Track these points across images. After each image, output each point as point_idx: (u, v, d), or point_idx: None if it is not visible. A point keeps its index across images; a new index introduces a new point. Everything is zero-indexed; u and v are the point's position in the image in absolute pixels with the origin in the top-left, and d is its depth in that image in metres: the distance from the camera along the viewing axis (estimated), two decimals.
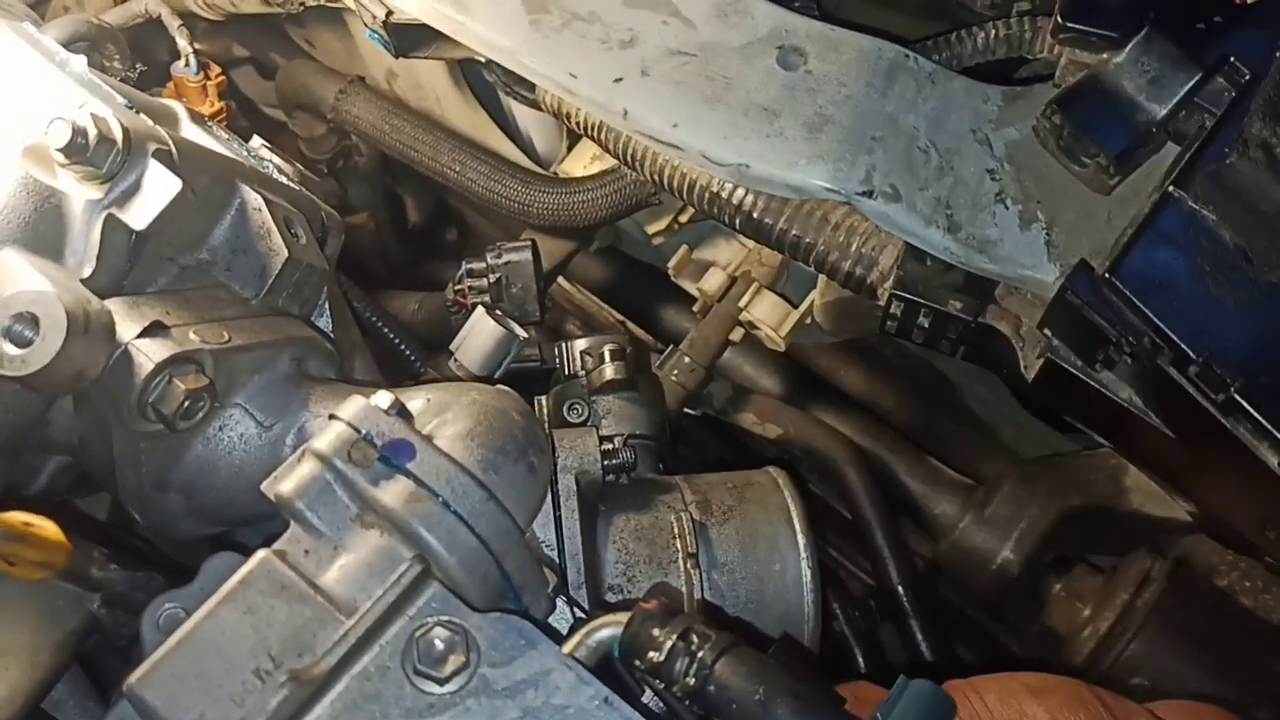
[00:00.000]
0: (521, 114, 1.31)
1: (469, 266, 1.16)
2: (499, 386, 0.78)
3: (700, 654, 0.62)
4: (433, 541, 0.65)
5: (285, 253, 0.79)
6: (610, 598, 0.89)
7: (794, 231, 0.80)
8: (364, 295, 1.20)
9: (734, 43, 0.77)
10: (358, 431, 0.67)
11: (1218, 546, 1.28)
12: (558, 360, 1.06)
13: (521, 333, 0.99)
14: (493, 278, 1.14)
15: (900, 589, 1.29)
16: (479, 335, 0.96)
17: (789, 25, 0.77)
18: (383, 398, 0.69)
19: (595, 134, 0.89)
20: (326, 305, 0.93)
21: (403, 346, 1.16)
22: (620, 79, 0.76)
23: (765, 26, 0.77)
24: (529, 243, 1.14)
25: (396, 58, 0.97)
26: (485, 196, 1.20)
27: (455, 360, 0.97)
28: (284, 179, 0.92)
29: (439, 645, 0.60)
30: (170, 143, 0.75)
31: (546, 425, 1.01)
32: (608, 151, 0.89)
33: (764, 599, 0.92)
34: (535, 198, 1.18)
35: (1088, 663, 1.23)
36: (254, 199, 0.81)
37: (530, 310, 1.15)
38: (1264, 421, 0.59)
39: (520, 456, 0.72)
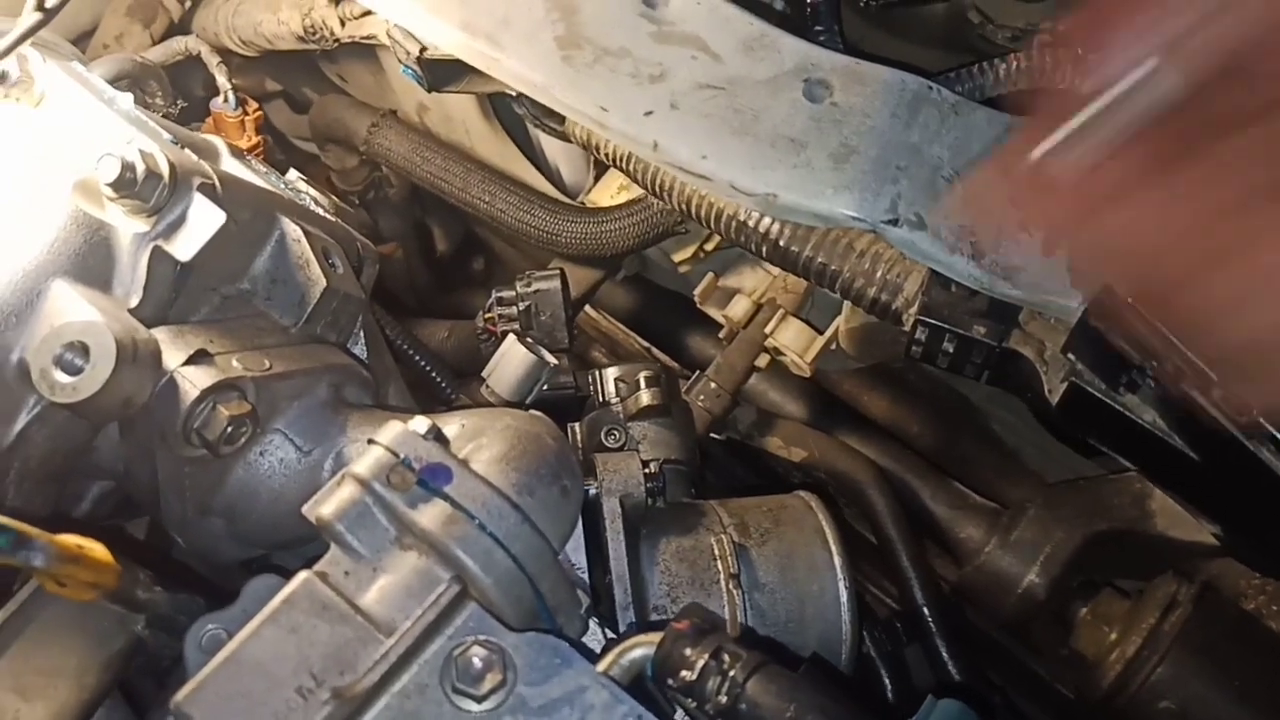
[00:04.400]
0: (549, 145, 1.33)
1: (499, 295, 1.18)
2: (532, 412, 0.80)
3: (732, 673, 0.63)
4: (469, 563, 0.66)
5: (323, 282, 0.82)
6: (655, 618, 0.90)
7: (820, 259, 0.81)
8: (396, 323, 1.23)
9: (761, 76, 0.79)
10: (396, 456, 0.69)
11: (1244, 570, 1.29)
12: (591, 388, 1.08)
13: (552, 359, 1.01)
14: (522, 306, 1.16)
15: (925, 611, 1.30)
16: (510, 362, 0.98)
17: (814, 59, 0.79)
18: (420, 423, 0.71)
19: (624, 165, 0.91)
20: (361, 333, 0.95)
21: (434, 374, 1.18)
22: (650, 112, 0.78)
23: (791, 60, 0.79)
24: (558, 271, 1.16)
25: (429, 92, 0.99)
26: (514, 227, 1.23)
27: (487, 387, 0.99)
28: (320, 210, 0.95)
29: (477, 664, 0.61)
30: (214, 176, 0.77)
31: (581, 451, 1.02)
32: (636, 182, 0.91)
33: (803, 619, 0.93)
34: (563, 227, 1.20)
35: (1115, 687, 1.23)
36: (293, 230, 0.83)
37: (559, 338, 1.17)
38: None
39: (554, 480, 0.73)
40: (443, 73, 0.97)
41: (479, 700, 0.61)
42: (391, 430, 0.70)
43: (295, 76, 1.60)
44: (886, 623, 1.32)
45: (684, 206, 0.87)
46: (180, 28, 1.44)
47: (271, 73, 1.63)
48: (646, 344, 1.47)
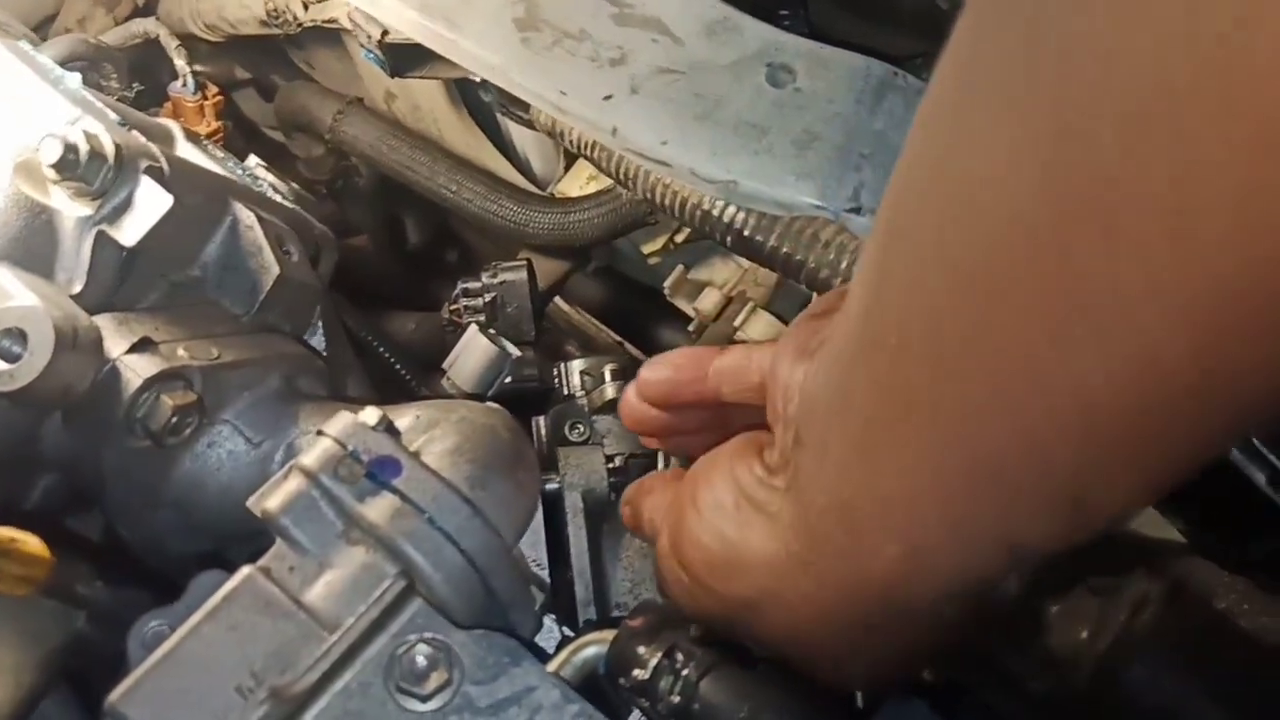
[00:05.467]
0: (519, 134, 1.32)
1: (464, 286, 1.16)
2: (489, 404, 0.78)
3: (685, 672, 0.62)
4: (418, 558, 0.64)
5: (276, 270, 0.80)
6: (617, 615, 0.89)
7: (785, 249, 0.80)
8: (359, 314, 1.21)
9: (723, 60, 0.77)
10: (344, 448, 0.67)
11: (1215, 568, 1.27)
12: (556, 380, 1.07)
13: (515, 351, 0.99)
14: (488, 297, 1.14)
15: None
16: (472, 354, 0.96)
17: (778, 43, 0.77)
18: (370, 414, 0.69)
19: (589, 152, 0.89)
20: (320, 324, 0.93)
21: (398, 365, 1.16)
22: (610, 96, 0.77)
23: (754, 44, 0.77)
24: (524, 263, 1.14)
25: (392, 77, 0.97)
26: (481, 216, 1.21)
27: (449, 379, 0.97)
28: (279, 197, 0.93)
29: (422, 662, 0.59)
30: (162, 159, 0.75)
31: (546, 445, 1.01)
32: (601, 169, 0.90)
33: None
34: (531, 217, 1.18)
35: (1087, 685, 1.21)
36: (246, 216, 0.81)
37: (525, 330, 1.15)
38: (1256, 442, 0.59)
39: (508, 473, 0.71)
40: (405, 57, 0.95)
41: (424, 699, 0.59)
42: (340, 422, 0.68)
43: (264, 63, 1.58)
44: None
45: (649, 195, 0.85)
46: (145, 12, 1.41)
47: (241, 60, 1.61)
48: (618, 337, 1.46)
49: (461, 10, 0.78)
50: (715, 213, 0.83)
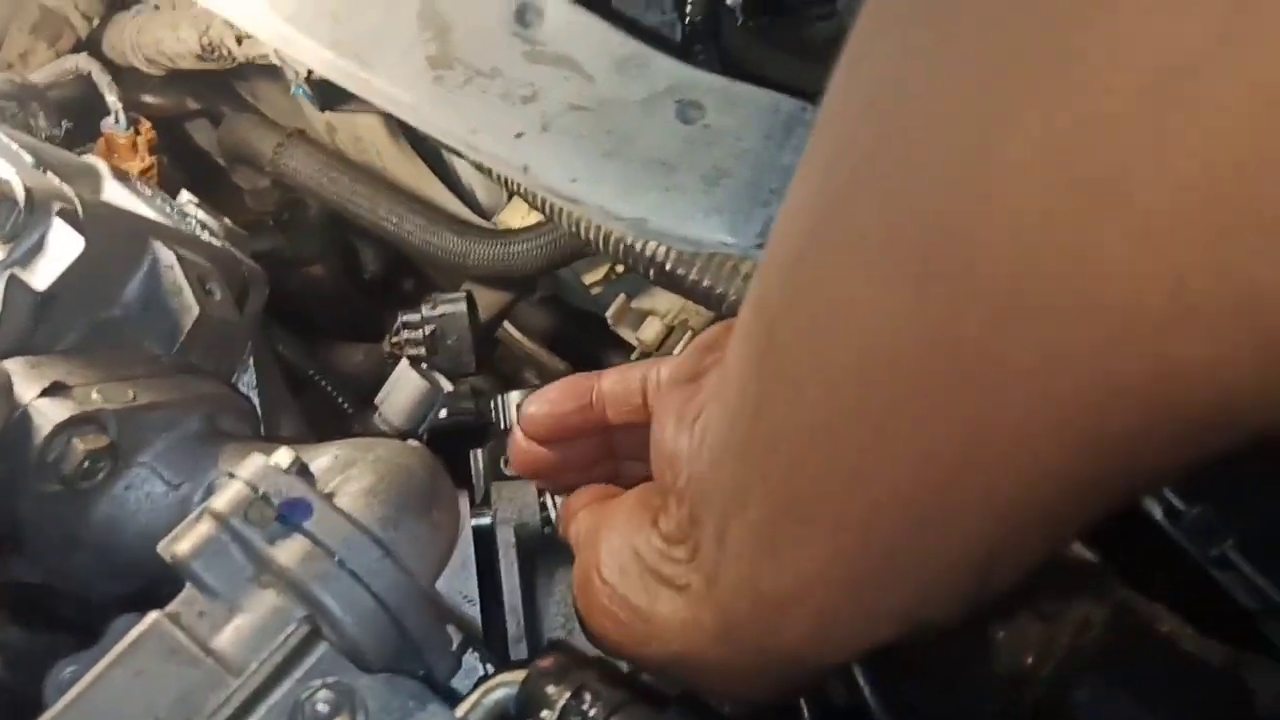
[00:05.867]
0: (463, 167, 1.32)
1: (404, 319, 1.16)
2: (409, 443, 0.78)
3: (592, 712, 0.62)
4: (328, 601, 0.64)
5: (197, 309, 0.80)
6: None
7: (705, 282, 0.80)
8: (301, 346, 1.21)
9: (633, 97, 0.78)
10: (255, 490, 0.67)
11: (1161, 585, 1.28)
12: (493, 414, 1.07)
13: (447, 385, 0.99)
14: (427, 329, 1.15)
15: None
16: (403, 389, 0.96)
17: (688, 79, 0.78)
18: (283, 456, 0.69)
19: (513, 185, 0.89)
20: (251, 361, 0.93)
21: (339, 398, 1.16)
22: (521, 134, 0.77)
23: (664, 81, 0.78)
24: (464, 295, 1.14)
25: (322, 111, 0.97)
26: (422, 248, 1.21)
27: (380, 415, 0.97)
28: (207, 234, 0.93)
29: (324, 708, 0.59)
30: (76, 201, 0.75)
31: (483, 479, 1.01)
32: (527, 203, 0.90)
33: None
34: (471, 248, 1.18)
35: (1037, 711, 1.21)
36: (166, 256, 0.81)
37: (466, 362, 1.16)
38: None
39: (423, 513, 0.71)
40: (332, 93, 0.95)
41: None
42: (252, 464, 0.68)
43: (214, 95, 1.58)
44: None
45: (572, 228, 0.85)
46: (90, 45, 1.41)
47: (192, 92, 1.61)
48: (566, 365, 1.46)
49: (374, 49, 0.79)
50: (637, 247, 0.83)
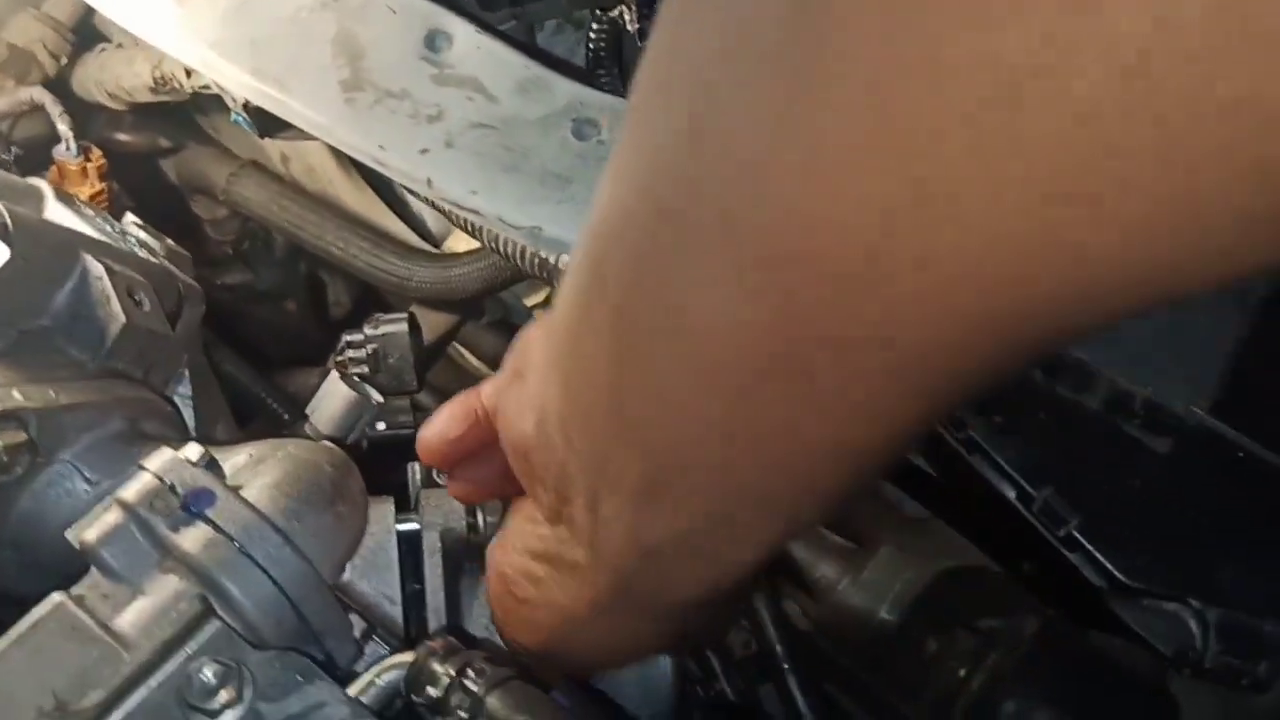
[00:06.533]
0: (414, 198, 1.36)
1: (348, 339, 1.19)
2: (323, 442, 0.81)
3: (476, 688, 0.65)
4: (228, 585, 0.68)
5: (123, 319, 0.83)
6: None
7: None
8: (250, 369, 1.24)
9: (533, 116, 0.82)
10: (162, 481, 0.70)
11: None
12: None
13: (377, 397, 1.02)
14: (370, 349, 1.18)
15: (778, 649, 1.31)
16: (332, 399, 0.99)
17: (584, 99, 0.82)
18: (191, 450, 0.73)
19: (439, 205, 0.93)
20: (186, 372, 0.97)
21: (283, 414, 1.20)
22: (426, 150, 0.81)
23: (563, 100, 0.82)
24: (406, 315, 1.18)
25: (261, 138, 1.02)
26: (368, 272, 1.25)
27: (310, 424, 1.01)
28: (144, 253, 0.97)
29: (210, 680, 0.62)
30: (6, 216, 0.79)
31: (418, 488, 1.04)
32: (453, 223, 0.94)
33: None
34: (413, 272, 1.22)
35: None
36: (95, 268, 0.85)
37: (408, 380, 1.19)
38: (1003, 463, 0.63)
39: (327, 506, 0.75)
40: (269, 120, 0.99)
41: (212, 716, 0.62)
42: (161, 457, 0.72)
43: (181, 133, 1.63)
44: (740, 661, 1.34)
45: (492, 245, 0.89)
46: (57, 83, 1.47)
47: (162, 131, 1.66)
48: None
49: (291, 73, 0.83)
50: (553, 261, 0.87)
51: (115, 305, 0.84)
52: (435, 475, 1.06)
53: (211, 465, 0.73)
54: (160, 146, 1.72)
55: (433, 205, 0.90)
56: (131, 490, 0.70)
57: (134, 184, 1.49)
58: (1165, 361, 0.62)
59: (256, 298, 1.81)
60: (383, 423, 1.08)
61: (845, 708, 1.36)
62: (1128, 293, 0.34)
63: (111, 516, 0.69)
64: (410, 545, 0.96)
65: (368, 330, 1.20)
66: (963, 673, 1.32)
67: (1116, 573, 0.60)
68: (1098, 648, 1.32)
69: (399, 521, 0.96)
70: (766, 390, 0.43)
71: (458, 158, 0.80)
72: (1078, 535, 0.61)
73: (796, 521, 0.52)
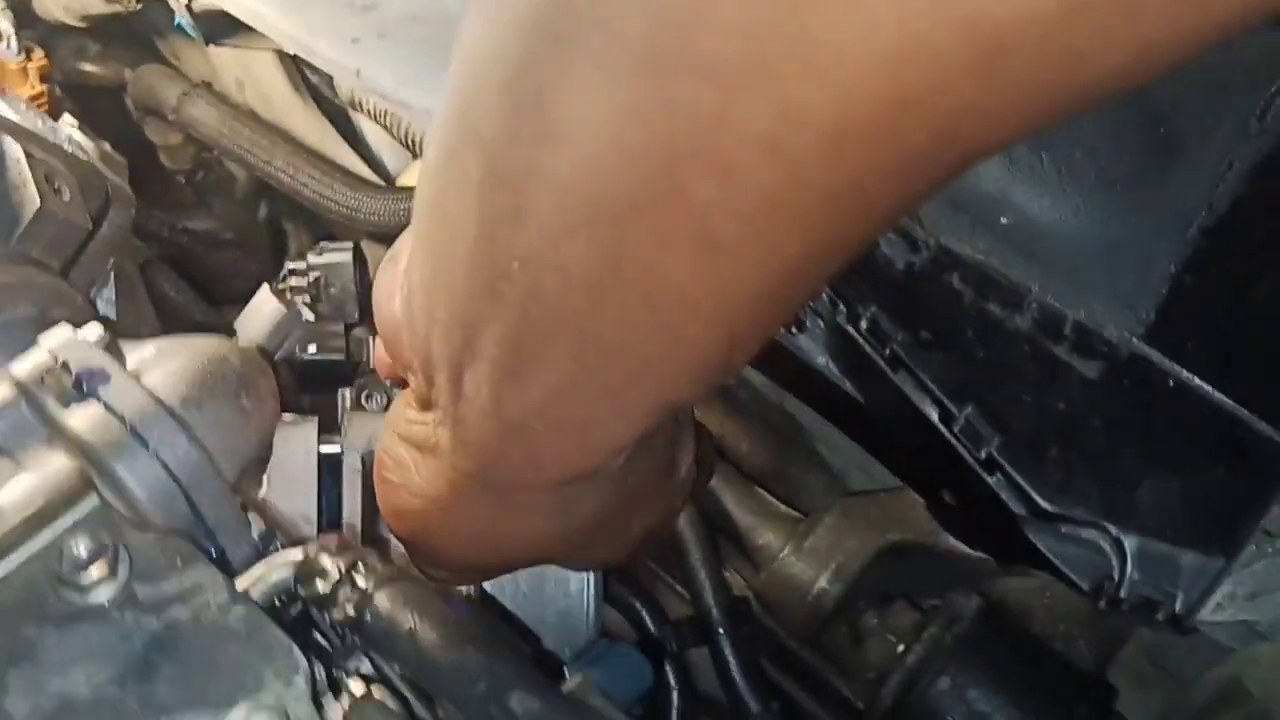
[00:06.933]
0: (370, 133, 1.33)
1: (291, 266, 1.17)
2: (234, 339, 0.79)
3: (363, 583, 0.62)
4: (116, 467, 0.65)
5: (38, 203, 0.80)
6: None
7: None
8: (191, 293, 1.22)
9: None
10: (56, 359, 0.68)
11: (1036, 589, 1.29)
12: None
13: (309, 315, 1.00)
14: (312, 276, 1.15)
15: (714, 612, 1.29)
16: (259, 313, 0.96)
17: None
18: (91, 330, 0.70)
19: (383, 120, 0.91)
20: (113, 275, 0.94)
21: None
22: (357, 39, 0.79)
23: None
24: (350, 245, 1.15)
25: (206, 45, 0.99)
26: (315, 201, 1.22)
27: (237, 336, 0.98)
28: (78, 152, 0.94)
29: (82, 554, 0.59)
30: None
31: (347, 414, 1.01)
32: (401, 143, 0.91)
33: (543, 593, 0.92)
34: (362, 203, 1.19)
35: (896, 698, 1.22)
36: (14, 151, 0.82)
37: (349, 311, 1.16)
38: (929, 382, 0.60)
39: (230, 399, 0.72)
40: (214, 25, 0.97)
41: (83, 591, 0.59)
42: (58, 335, 0.69)
43: (143, 59, 1.60)
44: (674, 622, 1.31)
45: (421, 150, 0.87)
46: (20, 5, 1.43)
47: (125, 59, 1.63)
48: None
49: None
50: None
51: (31, 189, 0.81)
52: (364, 401, 1.04)
53: (111, 348, 0.70)
54: (125, 80, 1.70)
55: (364, 111, 0.87)
56: (23, 366, 0.67)
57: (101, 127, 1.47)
58: (1099, 285, 0.60)
59: (217, 244, 1.78)
60: (314, 345, 1.05)
61: (778, 682, 1.34)
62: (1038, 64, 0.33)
63: (1, 390, 0.66)
64: (333, 468, 0.94)
65: (311, 258, 1.17)
66: (900, 648, 1.30)
67: (1036, 496, 0.58)
68: (1037, 633, 1.31)
69: (323, 443, 0.93)
70: (640, 226, 0.41)
71: (390, 49, 0.78)
72: (997, 456, 0.59)
73: (667, 393, 0.49)
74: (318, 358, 1.06)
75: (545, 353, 0.49)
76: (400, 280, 0.56)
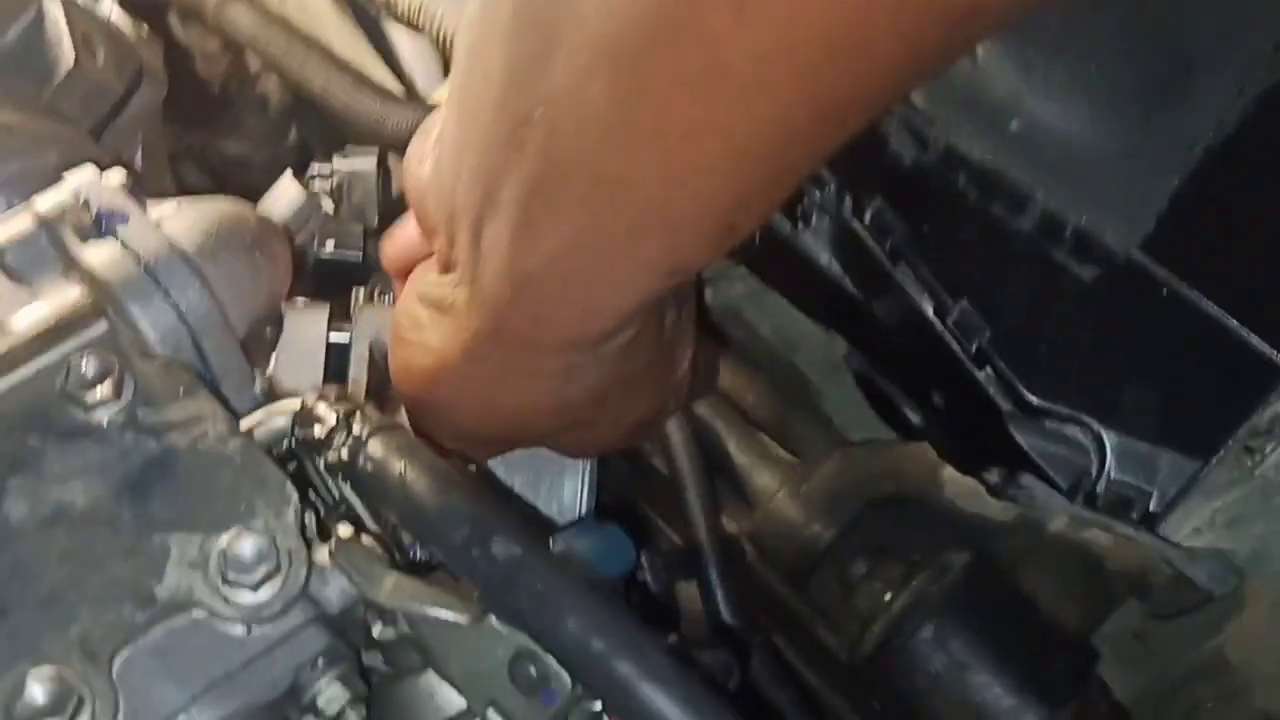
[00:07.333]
0: (405, 49, 1.35)
1: (316, 168, 1.18)
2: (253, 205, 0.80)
3: (358, 430, 0.63)
4: (129, 305, 0.66)
5: (73, 60, 0.82)
6: None
7: None
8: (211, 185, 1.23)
9: None
10: (78, 196, 0.69)
11: (1031, 548, 1.30)
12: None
13: (329, 206, 1.01)
14: (336, 180, 1.17)
15: (706, 547, 1.30)
16: (281, 196, 0.98)
17: None
18: (115, 174, 0.72)
19: (415, 19, 0.92)
20: (140, 146, 0.96)
21: None
22: None
23: None
24: (375, 151, 1.17)
25: None
26: (343, 111, 1.23)
27: None
28: (113, 21, 0.96)
29: (89, 373, 0.61)
30: None
31: (358, 305, 1.03)
32: (429, 37, 0.92)
33: (538, 490, 0.94)
34: (389, 114, 1.21)
35: (878, 645, 1.23)
36: (54, 10, 0.84)
37: (369, 217, 1.18)
38: (928, 275, 0.62)
39: (244, 252, 0.73)
40: None
41: (87, 409, 0.61)
42: (82, 174, 0.71)
43: None
44: (666, 553, 1.32)
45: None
46: None
47: None
48: None
49: None
50: None
51: (67, 46, 0.83)
52: (376, 298, 1.05)
53: (134, 192, 0.72)
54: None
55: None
56: (46, 200, 0.69)
57: None
58: (1102, 194, 0.61)
59: (248, 168, 1.80)
60: (333, 242, 1.07)
61: (764, 625, 1.36)
62: None
63: (22, 222, 0.68)
64: (340, 355, 0.96)
65: (336, 162, 1.19)
66: (887, 596, 1.31)
67: (1022, 390, 0.59)
68: (1026, 592, 1.32)
69: (332, 331, 0.95)
70: (657, 63, 0.42)
71: None
72: (988, 349, 0.60)
73: (672, 251, 0.51)
74: (335, 256, 1.08)
75: (559, 201, 0.50)
76: (431, 148, 0.59)
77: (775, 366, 1.59)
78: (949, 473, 1.31)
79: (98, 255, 0.67)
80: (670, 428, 1.32)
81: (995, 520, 1.31)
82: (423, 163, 0.60)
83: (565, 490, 0.94)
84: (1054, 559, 1.28)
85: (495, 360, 0.61)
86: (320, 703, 0.59)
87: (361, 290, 1.08)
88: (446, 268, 0.61)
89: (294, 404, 0.68)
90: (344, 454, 0.63)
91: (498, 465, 0.90)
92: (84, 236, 0.67)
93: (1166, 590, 1.17)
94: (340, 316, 0.95)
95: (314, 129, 1.73)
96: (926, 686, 1.16)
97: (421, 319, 0.64)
